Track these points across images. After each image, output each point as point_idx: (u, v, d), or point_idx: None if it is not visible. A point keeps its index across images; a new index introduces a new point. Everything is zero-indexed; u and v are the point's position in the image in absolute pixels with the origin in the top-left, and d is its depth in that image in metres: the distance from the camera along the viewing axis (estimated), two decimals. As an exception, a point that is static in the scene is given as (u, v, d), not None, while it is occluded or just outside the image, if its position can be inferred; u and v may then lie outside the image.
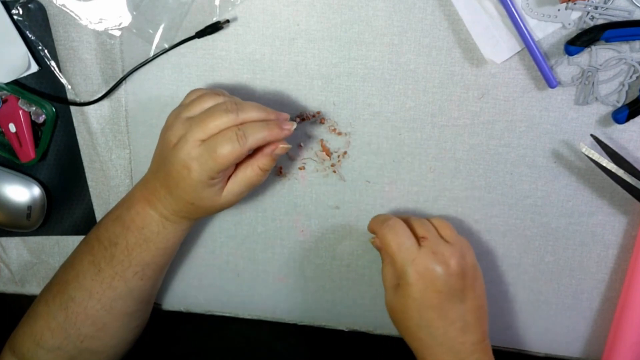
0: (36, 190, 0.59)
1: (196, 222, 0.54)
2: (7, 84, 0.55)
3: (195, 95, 0.49)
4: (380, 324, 0.62)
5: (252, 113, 0.46)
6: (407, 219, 0.52)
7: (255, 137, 0.45)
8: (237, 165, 0.48)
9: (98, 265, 0.51)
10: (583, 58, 0.51)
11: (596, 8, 0.48)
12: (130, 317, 0.54)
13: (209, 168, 0.45)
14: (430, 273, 0.47)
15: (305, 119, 0.55)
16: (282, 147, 0.48)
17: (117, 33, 0.54)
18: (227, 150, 0.44)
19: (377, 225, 0.51)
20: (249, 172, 0.48)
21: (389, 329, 0.62)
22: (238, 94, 0.55)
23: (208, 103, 0.47)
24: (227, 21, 0.53)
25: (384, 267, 0.51)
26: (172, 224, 0.51)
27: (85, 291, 0.51)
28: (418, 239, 0.49)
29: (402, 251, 0.48)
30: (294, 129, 0.48)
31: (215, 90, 0.50)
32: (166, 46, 0.54)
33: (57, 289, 0.53)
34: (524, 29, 0.49)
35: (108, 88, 0.56)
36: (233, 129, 0.45)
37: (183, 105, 0.49)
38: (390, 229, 0.49)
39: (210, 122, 0.45)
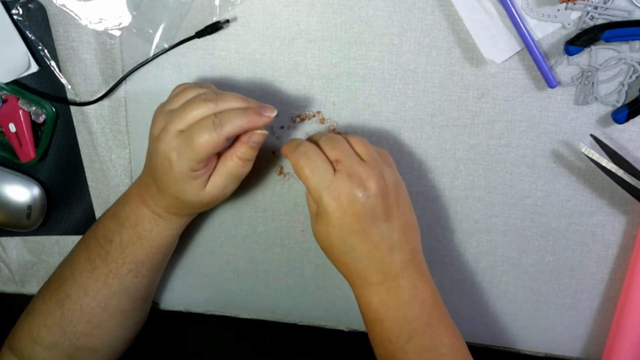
0: (36, 190, 0.59)
1: (188, 219, 0.54)
2: (7, 84, 0.55)
3: (180, 89, 0.49)
4: (380, 324, 0.62)
5: (231, 103, 0.46)
6: (319, 139, 0.48)
7: (233, 124, 0.44)
8: (219, 157, 0.48)
9: (93, 263, 0.51)
10: (583, 58, 0.51)
11: (596, 8, 0.48)
12: (126, 315, 0.54)
13: (188, 158, 0.45)
14: (347, 198, 0.45)
15: (305, 119, 0.55)
16: (259, 133, 0.47)
17: (117, 33, 0.54)
18: (204, 138, 0.44)
19: (289, 151, 0.48)
20: (230, 163, 0.48)
21: (389, 329, 0.62)
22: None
23: (190, 94, 0.47)
24: (227, 21, 0.53)
25: (307, 194, 0.49)
26: (164, 221, 0.51)
27: (80, 289, 0.52)
28: (332, 162, 0.46)
29: (316, 178, 0.45)
30: (274, 115, 0.46)
31: (200, 83, 0.50)
32: (166, 46, 0.54)
33: (54, 286, 0.53)
34: (524, 29, 0.49)
35: (108, 88, 0.56)
36: (210, 117, 0.44)
37: (167, 99, 0.49)
38: (302, 155, 0.46)
39: (189, 112, 0.45)
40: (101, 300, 0.52)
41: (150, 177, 0.49)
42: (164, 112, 0.47)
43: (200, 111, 0.45)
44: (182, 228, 0.54)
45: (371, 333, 0.49)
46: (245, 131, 0.46)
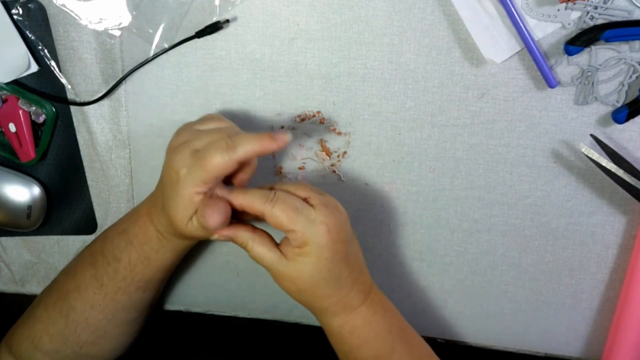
0: (36, 190, 0.59)
1: (189, 243, 0.52)
2: (7, 84, 0.55)
3: (214, 117, 0.50)
4: (380, 323, 0.62)
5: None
6: (276, 191, 0.47)
7: (245, 147, 0.44)
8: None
9: (100, 280, 0.51)
10: (583, 58, 0.51)
11: (596, 8, 0.48)
12: (131, 324, 0.55)
13: (196, 176, 0.44)
14: (335, 227, 0.45)
15: (305, 119, 0.55)
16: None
17: (117, 33, 0.54)
18: (216, 159, 0.43)
19: (259, 204, 0.45)
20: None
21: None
22: (238, 94, 0.55)
23: (221, 124, 0.48)
24: (227, 21, 0.53)
25: (259, 249, 0.47)
26: (168, 241, 0.50)
27: (86, 303, 0.51)
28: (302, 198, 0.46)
29: (302, 218, 0.44)
30: (288, 139, 0.44)
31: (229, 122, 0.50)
32: (166, 46, 0.54)
33: (57, 296, 0.53)
34: (524, 29, 0.49)
35: (108, 88, 0.56)
36: (224, 139, 0.44)
37: (198, 120, 0.50)
38: (278, 202, 0.45)
39: (212, 135, 0.45)
40: (108, 313, 0.52)
41: (160, 191, 0.49)
42: (191, 130, 0.47)
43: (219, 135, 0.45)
44: (185, 250, 0.53)
45: (356, 358, 0.49)
46: (257, 154, 0.45)
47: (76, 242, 0.62)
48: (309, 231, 0.45)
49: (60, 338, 0.52)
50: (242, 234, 0.47)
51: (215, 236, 0.47)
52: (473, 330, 0.60)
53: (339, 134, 0.56)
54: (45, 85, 0.56)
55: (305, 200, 0.46)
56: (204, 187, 0.44)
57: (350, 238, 0.48)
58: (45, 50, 0.55)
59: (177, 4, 0.53)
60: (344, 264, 0.47)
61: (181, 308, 0.64)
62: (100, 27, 0.54)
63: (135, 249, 0.50)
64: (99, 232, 0.61)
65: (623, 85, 0.51)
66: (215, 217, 0.44)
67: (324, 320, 0.50)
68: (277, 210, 0.44)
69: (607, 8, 0.48)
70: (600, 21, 0.49)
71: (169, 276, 0.56)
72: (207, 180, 0.44)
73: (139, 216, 0.51)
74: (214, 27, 0.52)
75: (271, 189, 0.47)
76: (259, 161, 0.57)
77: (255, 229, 0.48)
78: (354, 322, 0.48)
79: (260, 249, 0.47)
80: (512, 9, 0.48)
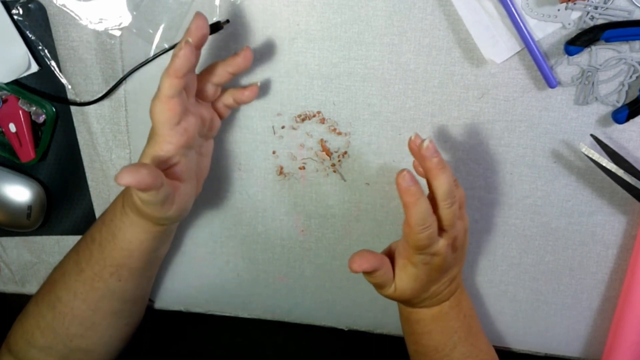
0: (36, 190, 0.59)
1: (155, 228, 0.49)
2: (7, 84, 0.55)
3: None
4: (380, 323, 0.62)
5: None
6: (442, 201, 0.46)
7: (190, 32, 0.45)
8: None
9: (80, 265, 0.51)
10: (583, 58, 0.51)
11: (596, 8, 0.48)
12: (117, 316, 0.54)
13: (164, 80, 0.45)
14: (438, 261, 0.46)
15: (306, 119, 0.55)
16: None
17: (117, 33, 0.54)
18: (163, 81, 0.45)
19: (449, 192, 0.44)
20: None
21: (389, 329, 0.62)
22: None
23: None
24: (227, 21, 0.53)
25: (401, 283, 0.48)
26: (127, 217, 0.49)
27: (70, 291, 0.52)
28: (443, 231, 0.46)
29: (424, 246, 0.45)
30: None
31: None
32: (166, 46, 0.54)
33: (46, 289, 0.53)
34: (524, 29, 0.49)
35: (108, 88, 0.56)
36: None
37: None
38: (456, 206, 0.45)
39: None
40: (91, 303, 0.52)
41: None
42: None
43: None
44: (153, 239, 0.50)
45: (416, 344, 0.52)
46: (200, 36, 0.46)
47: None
48: (417, 255, 0.45)
49: (51, 332, 0.52)
50: (386, 269, 0.47)
51: (356, 269, 0.45)
52: (473, 330, 0.60)
53: (339, 134, 0.56)
54: (45, 85, 0.56)
55: (452, 241, 0.46)
56: (173, 89, 0.45)
57: (451, 265, 0.48)
58: (46, 50, 0.55)
59: (177, 4, 0.53)
60: (437, 283, 0.48)
61: (181, 308, 0.64)
62: (100, 27, 0.54)
63: (106, 227, 0.50)
64: (99, 232, 0.61)
65: (623, 85, 0.51)
66: (125, 177, 0.41)
67: (400, 306, 0.52)
68: (424, 234, 0.44)
69: (607, 8, 0.48)
70: (600, 21, 0.49)
71: (143, 272, 0.54)
72: (172, 75, 0.44)
73: (118, 197, 0.51)
74: (214, 27, 0.52)
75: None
76: (259, 161, 0.57)
77: (384, 257, 0.47)
78: (421, 315, 0.50)
79: (388, 277, 0.47)
80: (512, 9, 0.48)
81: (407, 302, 0.50)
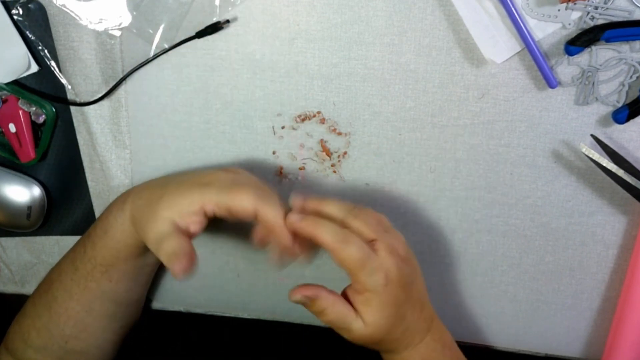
0: (36, 190, 0.59)
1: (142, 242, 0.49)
2: (7, 84, 0.55)
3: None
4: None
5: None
6: (343, 219, 0.46)
7: (267, 211, 0.46)
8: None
9: (75, 263, 0.52)
10: (583, 58, 0.51)
11: (596, 8, 0.48)
12: (111, 319, 0.54)
13: (210, 195, 0.46)
14: (394, 274, 0.44)
15: (306, 119, 0.55)
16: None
17: (117, 33, 0.54)
18: (247, 199, 0.46)
19: (331, 241, 0.44)
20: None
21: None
22: (238, 94, 0.55)
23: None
24: (227, 21, 0.53)
25: (340, 309, 0.46)
26: (122, 219, 0.49)
27: (65, 291, 0.52)
28: (368, 241, 0.45)
29: (367, 264, 0.43)
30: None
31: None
32: (166, 46, 0.54)
33: (43, 289, 0.53)
34: (524, 29, 0.49)
35: (108, 88, 0.56)
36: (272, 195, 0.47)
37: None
38: (351, 245, 0.43)
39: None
40: (85, 303, 0.52)
41: (159, 181, 0.50)
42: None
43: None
44: (137, 246, 0.50)
45: None
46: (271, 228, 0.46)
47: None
48: (368, 279, 0.44)
49: (46, 332, 0.52)
50: (325, 297, 0.46)
51: (295, 297, 0.46)
52: (473, 330, 0.60)
53: (339, 134, 0.56)
54: (45, 85, 0.56)
55: (372, 242, 0.45)
56: (195, 216, 0.46)
57: (411, 280, 0.46)
58: (45, 51, 0.55)
59: (177, 4, 0.53)
60: (407, 305, 0.46)
61: (181, 308, 0.64)
62: (100, 27, 0.54)
63: (101, 220, 0.51)
64: (99, 232, 0.61)
65: (623, 85, 0.51)
66: (178, 264, 0.43)
67: (383, 355, 0.50)
68: (347, 254, 0.43)
69: (607, 8, 0.48)
70: (600, 21, 0.49)
71: (134, 275, 0.54)
72: (206, 204, 0.45)
73: (121, 194, 0.52)
74: (214, 28, 0.52)
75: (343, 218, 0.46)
76: (260, 161, 0.57)
77: (330, 290, 0.46)
78: (412, 358, 0.48)
79: (340, 309, 0.45)
80: (513, 9, 0.48)
81: (387, 342, 0.47)
